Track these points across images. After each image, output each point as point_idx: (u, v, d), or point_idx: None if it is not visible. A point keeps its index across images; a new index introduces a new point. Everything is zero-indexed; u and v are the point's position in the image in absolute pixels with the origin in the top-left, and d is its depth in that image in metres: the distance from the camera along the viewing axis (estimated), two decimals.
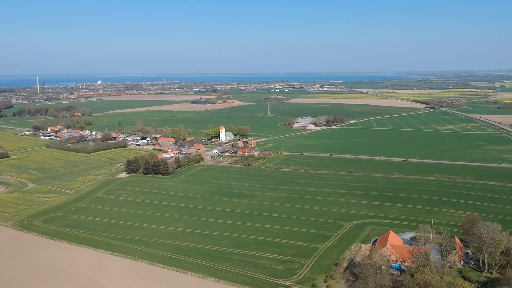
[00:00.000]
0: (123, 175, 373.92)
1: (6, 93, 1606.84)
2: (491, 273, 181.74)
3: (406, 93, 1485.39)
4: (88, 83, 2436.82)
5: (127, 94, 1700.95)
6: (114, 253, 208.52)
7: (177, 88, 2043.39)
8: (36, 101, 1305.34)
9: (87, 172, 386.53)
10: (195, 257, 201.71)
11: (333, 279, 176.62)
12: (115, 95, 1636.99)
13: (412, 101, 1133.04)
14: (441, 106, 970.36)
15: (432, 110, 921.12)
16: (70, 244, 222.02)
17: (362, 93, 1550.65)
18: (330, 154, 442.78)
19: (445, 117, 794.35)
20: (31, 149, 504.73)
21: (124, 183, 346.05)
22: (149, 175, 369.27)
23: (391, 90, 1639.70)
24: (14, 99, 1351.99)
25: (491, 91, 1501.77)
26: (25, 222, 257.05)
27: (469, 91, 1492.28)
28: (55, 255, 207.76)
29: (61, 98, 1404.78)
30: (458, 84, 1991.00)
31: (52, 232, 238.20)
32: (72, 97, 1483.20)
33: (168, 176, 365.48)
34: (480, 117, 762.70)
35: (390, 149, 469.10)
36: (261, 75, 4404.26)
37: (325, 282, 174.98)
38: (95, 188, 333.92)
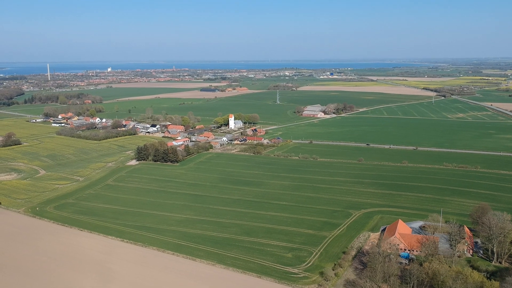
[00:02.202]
0: (133, 162, 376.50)
1: (18, 81, 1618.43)
2: (500, 262, 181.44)
3: (416, 80, 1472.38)
4: (98, 70, 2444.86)
5: (137, 81, 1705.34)
6: (125, 240, 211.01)
7: (186, 75, 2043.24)
8: (47, 88, 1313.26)
9: (98, 159, 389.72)
10: (204, 244, 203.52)
11: (341, 267, 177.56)
12: (125, 82, 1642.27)
13: (423, 89, 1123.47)
14: (452, 94, 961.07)
15: (443, 98, 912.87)
16: (81, 230, 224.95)
17: (372, 80, 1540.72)
18: (367, 144, 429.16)
19: (456, 105, 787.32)
20: (42, 136, 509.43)
21: (134, 171, 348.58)
22: (158, 162, 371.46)
23: (401, 78, 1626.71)
24: (25, 86, 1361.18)
25: (503, 79, 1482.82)
26: (37, 208, 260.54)
27: (480, 79, 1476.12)
28: (66, 241, 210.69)
29: (71, 86, 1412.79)
30: (470, 72, 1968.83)
31: (64, 219, 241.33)
32: (82, 84, 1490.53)
33: (177, 164, 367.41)
34: (491, 105, 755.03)
35: (400, 137, 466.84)
36: (271, 62, 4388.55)
37: (333, 270, 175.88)
38: (106, 175, 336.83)
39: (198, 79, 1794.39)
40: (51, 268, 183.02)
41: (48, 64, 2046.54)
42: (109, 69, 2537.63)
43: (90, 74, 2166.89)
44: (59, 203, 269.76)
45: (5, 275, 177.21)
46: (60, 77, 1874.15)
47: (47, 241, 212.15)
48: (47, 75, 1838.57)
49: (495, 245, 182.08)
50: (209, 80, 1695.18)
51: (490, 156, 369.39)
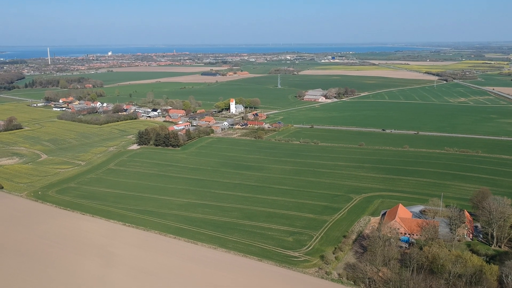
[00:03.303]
0: (135, 147, 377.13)
1: (18, 65, 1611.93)
2: (499, 246, 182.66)
3: (419, 64, 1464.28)
4: (98, 54, 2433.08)
5: (138, 65, 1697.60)
6: (126, 224, 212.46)
7: (187, 59, 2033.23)
8: (47, 72, 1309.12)
9: (99, 144, 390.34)
10: (205, 228, 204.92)
11: (341, 251, 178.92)
12: (125, 66, 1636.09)
13: (425, 73, 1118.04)
14: (454, 78, 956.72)
15: (445, 82, 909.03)
16: (83, 214, 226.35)
17: (374, 64, 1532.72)
18: (383, 130, 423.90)
19: (457, 89, 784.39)
20: (44, 120, 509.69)
21: (136, 155, 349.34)
22: (160, 147, 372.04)
23: (403, 62, 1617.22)
24: (26, 71, 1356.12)
25: (506, 63, 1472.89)
26: (39, 192, 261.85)
27: (483, 63, 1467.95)
28: (69, 225, 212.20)
29: (72, 70, 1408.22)
30: (472, 56, 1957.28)
31: (66, 203, 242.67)
32: (83, 68, 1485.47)
33: (178, 148, 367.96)
34: (493, 89, 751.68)
35: (401, 122, 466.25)
36: (272, 46, 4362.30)
37: (333, 253, 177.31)
38: (107, 159, 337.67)
39: (199, 63, 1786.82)
40: (54, 251, 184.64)
41: (48, 48, 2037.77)
42: (109, 53, 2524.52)
43: (91, 58, 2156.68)
44: (61, 187, 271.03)
45: (9, 258, 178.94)
46: (61, 61, 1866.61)
47: (49, 225, 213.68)
48: (48, 59, 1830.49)
49: (495, 229, 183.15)
50: (210, 64, 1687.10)
51: (491, 141, 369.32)
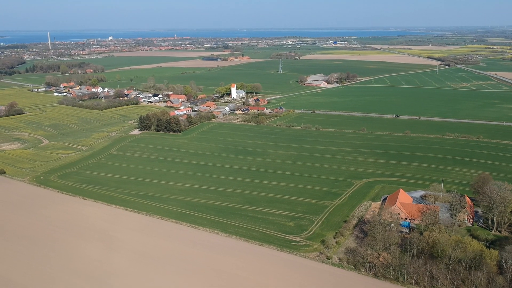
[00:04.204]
0: (136, 132, 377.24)
1: (18, 49, 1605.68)
2: (499, 231, 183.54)
3: (421, 49, 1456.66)
4: (99, 39, 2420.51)
5: (138, 50, 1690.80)
6: (128, 209, 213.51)
7: (188, 44, 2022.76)
8: (48, 57, 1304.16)
9: (100, 129, 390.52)
10: (207, 213, 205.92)
11: (342, 236, 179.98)
12: (126, 51, 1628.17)
13: (427, 58, 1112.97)
14: (456, 63, 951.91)
15: (447, 67, 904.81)
16: (86, 199, 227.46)
17: (376, 49, 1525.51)
18: (396, 116, 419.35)
19: (460, 74, 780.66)
20: (45, 105, 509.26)
21: (137, 140, 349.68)
22: (161, 132, 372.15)
23: (405, 47, 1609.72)
24: (26, 55, 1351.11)
25: (508, 47, 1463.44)
26: (42, 177, 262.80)
27: (485, 48, 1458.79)
28: (71, 210, 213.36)
29: (72, 54, 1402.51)
30: (475, 41, 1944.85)
31: (68, 188, 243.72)
32: (83, 53, 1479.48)
33: (180, 134, 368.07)
34: (496, 74, 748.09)
35: (403, 107, 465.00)
36: (273, 30, 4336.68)
37: (334, 238, 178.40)
38: (109, 145, 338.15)
39: (200, 47, 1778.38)
40: (56, 236, 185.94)
41: (48, 33, 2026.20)
42: (110, 38, 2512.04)
43: (91, 42, 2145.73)
44: (63, 173, 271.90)
45: (12, 243, 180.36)
46: (61, 46, 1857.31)
47: (52, 210, 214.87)
48: (48, 44, 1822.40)
49: (495, 215, 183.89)
50: (211, 48, 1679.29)
51: (493, 126, 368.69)
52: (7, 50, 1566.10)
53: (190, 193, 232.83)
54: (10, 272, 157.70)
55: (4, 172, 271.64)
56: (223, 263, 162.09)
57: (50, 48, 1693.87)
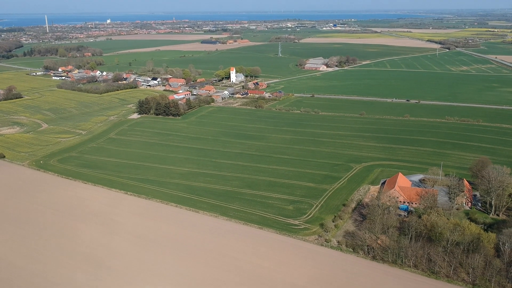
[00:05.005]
0: (135, 116, 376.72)
1: (16, 33, 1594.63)
2: (497, 215, 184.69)
3: (421, 32, 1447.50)
4: (97, 22, 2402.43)
5: (137, 33, 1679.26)
6: (128, 193, 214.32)
7: (187, 27, 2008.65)
8: (45, 40, 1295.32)
9: (99, 113, 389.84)
10: (207, 197, 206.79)
11: (341, 219, 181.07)
12: (124, 34, 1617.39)
13: (427, 41, 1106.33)
14: (457, 47, 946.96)
15: (447, 50, 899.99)
16: (85, 183, 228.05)
17: (376, 32, 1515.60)
18: (407, 100, 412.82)
19: (460, 58, 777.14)
20: (43, 89, 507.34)
21: (136, 124, 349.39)
22: (160, 116, 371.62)
23: (406, 30, 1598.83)
24: (24, 39, 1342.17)
25: (509, 30, 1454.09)
26: (41, 162, 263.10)
27: (486, 31, 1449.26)
28: (71, 194, 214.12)
29: (70, 38, 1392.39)
30: (475, 24, 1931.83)
31: (68, 172, 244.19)
32: (81, 36, 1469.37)
33: (179, 118, 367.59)
34: (496, 58, 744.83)
35: (403, 91, 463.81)
36: (273, 13, 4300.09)
37: (333, 221, 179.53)
38: (108, 128, 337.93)
39: (199, 31, 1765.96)
40: (57, 219, 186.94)
41: (46, 16, 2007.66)
42: (108, 21, 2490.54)
43: (89, 26, 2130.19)
44: (62, 157, 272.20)
45: (13, 226, 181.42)
46: (59, 29, 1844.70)
47: (52, 193, 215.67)
48: (46, 27, 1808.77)
49: (493, 198, 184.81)
50: (209, 32, 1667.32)
51: (493, 110, 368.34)
52: (5, 33, 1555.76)
53: (190, 177, 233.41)
54: (11, 255, 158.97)
55: (4, 156, 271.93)
56: (223, 246, 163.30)
57: (47, 31, 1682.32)
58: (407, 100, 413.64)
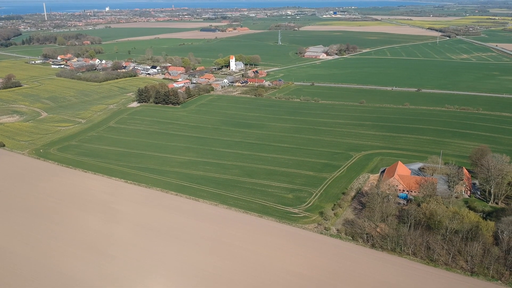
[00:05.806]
0: (134, 104, 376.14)
1: (14, 21, 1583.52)
2: (496, 203, 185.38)
3: (422, 20, 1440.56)
4: (96, 10, 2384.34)
5: (136, 21, 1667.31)
6: (128, 181, 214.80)
7: (186, 15, 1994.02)
8: (44, 28, 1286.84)
9: (99, 102, 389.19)
10: (207, 185, 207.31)
11: (340, 207, 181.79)
12: (123, 22, 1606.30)
13: (428, 29, 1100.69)
14: (457, 35, 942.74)
15: (448, 38, 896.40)
16: (86, 172, 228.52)
17: (376, 20, 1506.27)
18: (418, 90, 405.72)
19: (460, 45, 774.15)
20: (42, 78, 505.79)
21: (136, 113, 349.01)
22: (160, 104, 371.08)
23: (406, 17, 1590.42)
24: (22, 27, 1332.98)
25: (510, 18, 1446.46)
26: (41, 150, 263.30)
27: (487, 19, 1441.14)
28: (71, 183, 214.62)
29: (69, 26, 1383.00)
30: (476, 11, 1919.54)
31: (68, 160, 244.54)
32: (80, 24, 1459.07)
33: (179, 106, 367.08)
34: (496, 46, 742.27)
35: (403, 79, 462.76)
36: (272, 0, 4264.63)
37: (332, 210, 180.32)
38: (107, 117, 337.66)
39: (198, 18, 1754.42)
40: (57, 208, 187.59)
41: (44, 3, 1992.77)
42: (107, 9, 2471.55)
43: (88, 14, 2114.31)
44: (62, 145, 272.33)
45: (13, 215, 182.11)
46: (57, 17, 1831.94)
47: (52, 182, 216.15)
48: (44, 15, 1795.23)
49: (492, 187, 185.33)
50: (209, 19, 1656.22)
51: (493, 98, 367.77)
52: (3, 21, 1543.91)
53: (190, 165, 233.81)
54: (11, 244, 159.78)
55: (4, 145, 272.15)
56: (223, 234, 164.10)
57: (46, 19, 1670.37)
58: (417, 90, 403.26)
